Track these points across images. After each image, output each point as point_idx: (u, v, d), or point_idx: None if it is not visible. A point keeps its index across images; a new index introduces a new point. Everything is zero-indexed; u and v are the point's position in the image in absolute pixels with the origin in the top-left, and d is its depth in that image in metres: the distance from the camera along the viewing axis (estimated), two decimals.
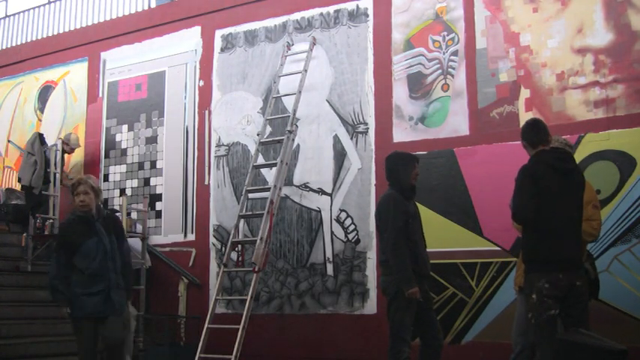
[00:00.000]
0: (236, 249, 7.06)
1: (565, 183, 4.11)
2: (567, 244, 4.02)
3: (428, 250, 5.19)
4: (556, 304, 4.00)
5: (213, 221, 8.01)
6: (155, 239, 8.32)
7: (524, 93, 6.43)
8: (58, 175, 8.75)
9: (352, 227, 7.05)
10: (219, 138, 8.17)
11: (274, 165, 7.09)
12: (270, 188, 6.86)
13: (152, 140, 8.73)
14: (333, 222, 7.22)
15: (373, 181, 7.05)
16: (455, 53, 6.84)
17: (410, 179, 4.97)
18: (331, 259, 7.16)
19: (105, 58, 9.38)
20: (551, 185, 4.06)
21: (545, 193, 4.03)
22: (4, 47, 11.12)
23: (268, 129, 7.64)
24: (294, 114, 7.25)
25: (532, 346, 4.37)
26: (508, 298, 5.97)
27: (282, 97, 7.67)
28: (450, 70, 6.84)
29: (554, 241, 4.00)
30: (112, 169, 9.02)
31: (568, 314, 4.06)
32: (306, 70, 7.41)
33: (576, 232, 4.10)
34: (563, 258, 4.01)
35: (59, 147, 8.81)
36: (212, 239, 7.96)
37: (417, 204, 5.25)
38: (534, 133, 4.28)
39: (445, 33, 6.94)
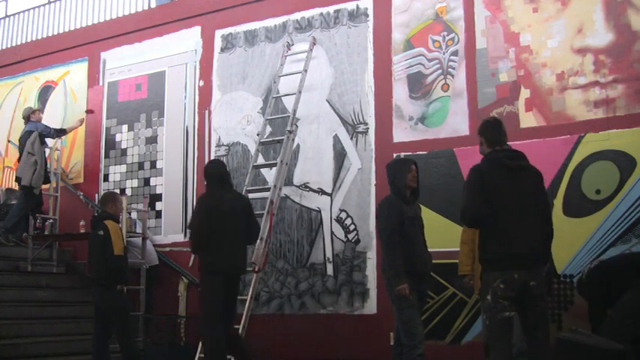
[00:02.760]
0: None
1: (517, 181, 4.06)
2: (519, 242, 3.96)
3: (429, 250, 5.26)
4: (512, 307, 3.94)
5: None
6: (155, 239, 8.31)
7: (524, 93, 6.43)
8: (58, 175, 8.77)
9: (352, 227, 7.05)
10: (219, 138, 8.17)
11: (274, 165, 7.09)
12: (270, 188, 6.87)
13: (152, 140, 8.74)
14: (333, 222, 7.22)
15: (373, 181, 7.05)
16: (455, 53, 6.84)
17: (406, 182, 5.12)
18: (331, 259, 7.15)
19: (105, 58, 9.38)
20: (502, 183, 4.02)
21: (495, 192, 3.99)
22: (4, 47, 11.12)
23: (268, 129, 7.64)
24: (294, 114, 7.25)
25: (485, 347, 4.35)
26: None
27: (282, 97, 7.67)
28: (450, 70, 6.84)
29: (505, 239, 3.95)
30: (112, 169, 9.02)
31: (525, 316, 4.00)
32: (306, 70, 7.41)
33: (530, 230, 4.02)
34: (513, 255, 3.94)
35: (59, 147, 8.82)
36: None
37: (417, 204, 5.30)
38: (496, 132, 4.26)
39: (445, 33, 6.94)
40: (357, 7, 7.50)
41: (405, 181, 5.12)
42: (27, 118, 8.94)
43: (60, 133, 9.00)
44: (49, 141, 8.96)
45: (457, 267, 5.53)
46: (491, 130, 4.27)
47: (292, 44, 7.80)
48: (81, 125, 9.19)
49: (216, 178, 5.81)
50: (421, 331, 4.93)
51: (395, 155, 6.88)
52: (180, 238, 8.21)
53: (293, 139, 7.21)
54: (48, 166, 8.73)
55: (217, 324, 5.49)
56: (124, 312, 6.18)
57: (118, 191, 8.82)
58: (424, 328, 5.68)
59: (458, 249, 5.60)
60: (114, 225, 6.17)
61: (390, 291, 5.01)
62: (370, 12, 7.41)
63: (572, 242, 5.79)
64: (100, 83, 9.34)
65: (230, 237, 5.59)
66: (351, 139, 7.29)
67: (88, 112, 9.27)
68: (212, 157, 8.13)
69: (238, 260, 5.71)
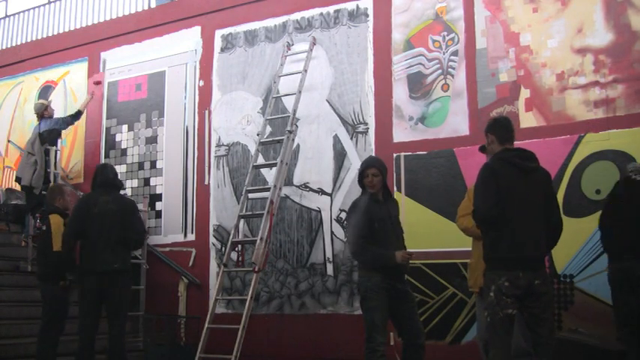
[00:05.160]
0: (236, 249, 7.07)
1: (527, 181, 4.06)
2: (528, 243, 3.96)
3: (429, 250, 5.22)
4: (514, 304, 3.93)
5: (213, 221, 8.01)
6: (155, 239, 8.32)
7: (524, 93, 6.43)
8: (58, 175, 8.77)
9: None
10: (219, 138, 8.18)
11: (274, 165, 7.09)
12: (270, 188, 6.86)
13: (152, 140, 8.74)
14: (333, 222, 7.22)
15: None
16: (455, 53, 6.84)
17: (365, 186, 4.99)
18: (331, 259, 7.16)
19: (105, 58, 9.39)
20: (513, 183, 4.01)
21: (506, 192, 3.98)
22: (4, 47, 11.12)
23: (268, 129, 7.64)
24: (294, 114, 7.25)
25: (485, 343, 4.32)
26: None
27: (282, 97, 7.67)
28: (450, 70, 6.84)
29: (515, 240, 3.94)
30: None
31: (531, 313, 3.99)
32: (306, 70, 7.41)
33: (539, 231, 4.02)
34: (523, 257, 3.95)
35: (59, 146, 8.82)
36: (212, 239, 7.96)
37: (418, 204, 5.24)
38: (505, 130, 4.25)
39: (445, 33, 6.94)
40: (357, 7, 7.50)
41: (364, 185, 4.99)
42: (41, 115, 8.88)
43: (76, 117, 8.96)
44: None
45: (467, 278, 5.36)
46: (502, 128, 4.27)
47: (292, 44, 7.80)
48: (92, 99, 9.13)
49: (97, 182, 5.77)
50: (382, 334, 4.79)
51: (395, 155, 6.88)
52: (180, 238, 8.22)
53: (293, 139, 7.21)
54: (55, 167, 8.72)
55: (87, 324, 5.45)
56: (59, 307, 6.04)
57: None
58: (424, 327, 5.70)
59: (457, 249, 5.59)
60: (57, 220, 6.11)
61: (359, 289, 4.96)
62: (370, 12, 7.41)
63: (572, 242, 5.78)
64: (100, 82, 9.34)
65: (97, 238, 5.48)
66: (351, 139, 7.29)
67: (96, 83, 9.24)
68: (212, 157, 8.14)
69: (106, 260, 5.46)
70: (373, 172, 4.94)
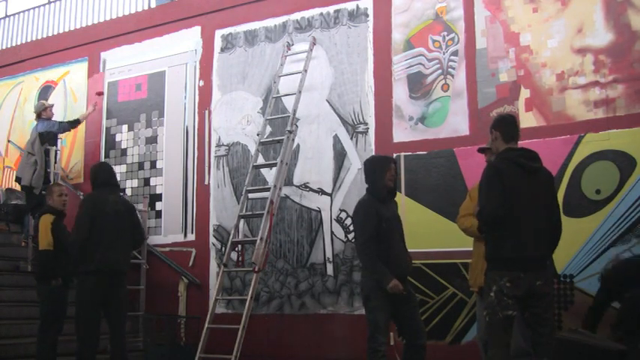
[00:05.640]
0: (236, 249, 7.07)
1: (531, 181, 4.05)
2: (530, 244, 3.95)
3: (429, 250, 5.24)
4: (515, 306, 3.92)
5: (213, 221, 8.01)
6: (155, 239, 8.32)
7: (524, 93, 6.43)
8: (58, 175, 8.77)
9: (352, 227, 7.04)
10: (219, 138, 8.18)
11: (274, 165, 7.09)
12: (270, 188, 6.87)
13: (152, 140, 8.74)
14: (333, 222, 7.22)
15: None
16: (455, 53, 6.84)
17: (384, 182, 5.01)
18: (331, 259, 7.16)
19: (105, 58, 9.39)
20: (518, 183, 4.00)
21: (511, 191, 3.97)
22: (4, 47, 11.12)
23: (268, 129, 7.64)
24: (294, 114, 7.25)
25: (485, 343, 4.32)
26: None
27: (282, 97, 7.67)
28: (450, 70, 6.84)
29: (518, 240, 3.93)
30: None
31: (532, 313, 3.99)
32: (306, 70, 7.41)
33: (542, 232, 4.01)
34: (524, 257, 3.93)
35: (59, 147, 8.83)
36: (212, 239, 7.96)
37: (417, 204, 5.26)
38: (511, 127, 4.24)
39: (445, 33, 6.94)
40: (357, 7, 7.50)
41: (383, 181, 4.99)
42: (39, 115, 8.83)
43: (74, 124, 8.94)
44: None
45: (468, 277, 5.36)
46: (508, 126, 4.25)
47: (292, 44, 7.80)
48: (94, 110, 9.10)
49: (100, 182, 5.65)
50: (384, 334, 4.81)
51: (395, 155, 6.88)
52: (180, 238, 8.22)
53: (293, 139, 7.21)
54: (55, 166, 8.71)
55: (96, 325, 5.37)
56: (55, 306, 6.01)
57: None
58: (425, 327, 5.70)
59: (457, 249, 5.58)
60: (45, 220, 6.09)
61: (362, 289, 4.98)
62: (370, 12, 7.41)
63: (572, 242, 5.78)
64: (100, 83, 9.34)
65: (109, 237, 5.39)
66: (351, 139, 7.29)
67: (98, 94, 9.21)
68: (212, 157, 8.15)
69: (119, 260, 5.47)
70: (395, 167, 5.08)
